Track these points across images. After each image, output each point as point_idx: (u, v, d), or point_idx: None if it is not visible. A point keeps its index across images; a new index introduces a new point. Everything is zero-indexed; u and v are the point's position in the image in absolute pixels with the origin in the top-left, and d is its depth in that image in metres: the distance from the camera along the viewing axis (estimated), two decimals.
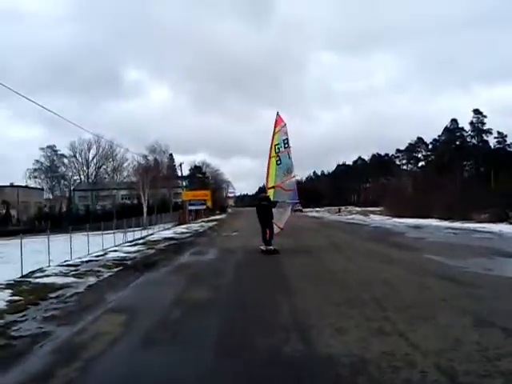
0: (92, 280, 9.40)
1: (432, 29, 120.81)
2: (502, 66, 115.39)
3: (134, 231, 27.15)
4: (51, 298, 7.48)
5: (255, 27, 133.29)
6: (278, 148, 14.23)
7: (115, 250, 16.57)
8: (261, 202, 14.07)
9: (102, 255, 14.78)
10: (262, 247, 13.49)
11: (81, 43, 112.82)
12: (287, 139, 14.31)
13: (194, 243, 18.84)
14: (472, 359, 3.73)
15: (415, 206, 34.31)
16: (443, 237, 16.31)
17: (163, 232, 30.16)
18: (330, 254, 12.00)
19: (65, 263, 12.62)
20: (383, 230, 22.12)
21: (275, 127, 14.42)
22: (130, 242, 21.82)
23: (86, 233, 19.19)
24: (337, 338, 4.49)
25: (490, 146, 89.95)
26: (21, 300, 7.19)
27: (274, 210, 13.81)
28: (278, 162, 14.21)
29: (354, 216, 42.95)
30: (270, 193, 14.31)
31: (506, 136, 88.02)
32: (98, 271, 10.83)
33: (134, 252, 15.63)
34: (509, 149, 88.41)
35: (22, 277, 10.29)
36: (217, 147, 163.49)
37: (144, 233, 29.46)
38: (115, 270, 11.09)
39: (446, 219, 26.80)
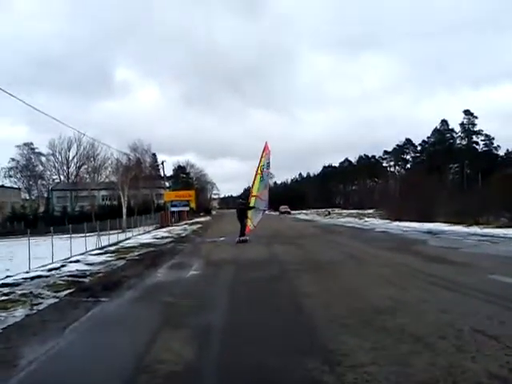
0: (19, 314, 6.41)
1: (422, 31, 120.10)
2: (490, 70, 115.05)
3: (109, 235, 24.39)
4: None
5: (246, 27, 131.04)
6: (263, 168, 18.61)
7: (77, 261, 13.52)
8: (239, 206, 19.06)
9: (57, 268, 11.75)
10: (237, 239, 17.13)
11: (68, 40, 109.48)
12: (269, 163, 18.98)
13: (174, 251, 15.81)
14: None
15: (417, 209, 31.71)
16: (479, 246, 13.10)
17: (141, 236, 27.18)
18: (354, 272, 8.88)
19: (1, 281, 9.59)
20: (394, 236, 19.24)
21: (263, 152, 18.73)
22: (101, 248, 18.77)
23: (60, 236, 16.89)
24: None
25: (477, 149, 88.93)
26: None
27: (251, 212, 18.09)
28: (262, 179, 18.65)
29: (348, 219, 40.20)
30: (253, 199, 18.37)
31: (493, 139, 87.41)
32: (38, 296, 7.85)
33: (99, 263, 12.66)
34: (495, 151, 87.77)
35: None
36: (203, 148, 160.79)
37: (121, 237, 26.60)
38: (63, 293, 8.12)
39: (455, 223, 24.13)
